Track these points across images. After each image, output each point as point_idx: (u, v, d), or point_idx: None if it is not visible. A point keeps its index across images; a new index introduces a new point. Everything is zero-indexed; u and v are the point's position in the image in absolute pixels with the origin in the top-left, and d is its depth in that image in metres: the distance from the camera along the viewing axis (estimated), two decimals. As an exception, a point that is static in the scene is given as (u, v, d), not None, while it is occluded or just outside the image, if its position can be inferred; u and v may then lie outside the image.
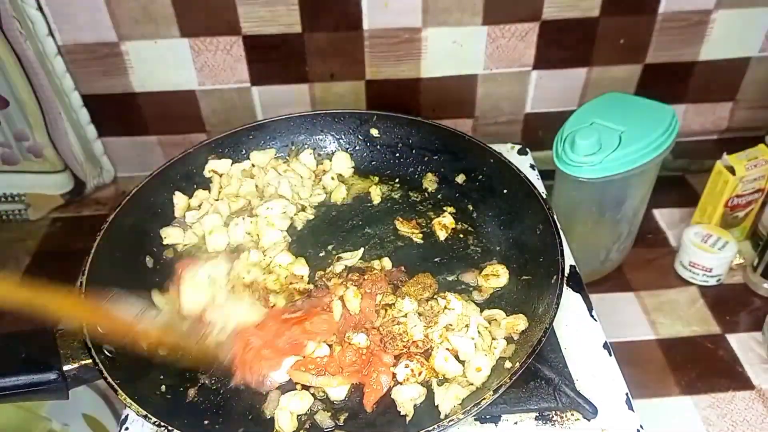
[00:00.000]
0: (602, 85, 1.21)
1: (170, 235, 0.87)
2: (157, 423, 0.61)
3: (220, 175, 0.95)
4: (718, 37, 1.17)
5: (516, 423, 0.71)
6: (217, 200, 0.92)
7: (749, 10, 1.14)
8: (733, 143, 1.13)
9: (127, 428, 0.73)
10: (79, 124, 1.19)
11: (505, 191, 0.90)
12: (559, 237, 0.78)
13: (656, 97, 0.98)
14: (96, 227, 0.78)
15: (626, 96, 1.01)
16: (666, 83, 1.23)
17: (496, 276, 0.83)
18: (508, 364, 0.71)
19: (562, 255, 0.76)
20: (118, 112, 1.20)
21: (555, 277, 0.74)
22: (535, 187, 0.86)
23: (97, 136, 1.22)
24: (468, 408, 0.63)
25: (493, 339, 0.75)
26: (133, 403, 0.62)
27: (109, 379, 0.64)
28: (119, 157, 1.27)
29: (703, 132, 1.33)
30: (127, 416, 0.74)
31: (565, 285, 0.74)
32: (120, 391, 0.63)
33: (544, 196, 0.84)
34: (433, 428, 0.61)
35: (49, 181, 1.26)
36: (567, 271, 0.81)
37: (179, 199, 0.90)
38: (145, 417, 0.61)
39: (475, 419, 0.71)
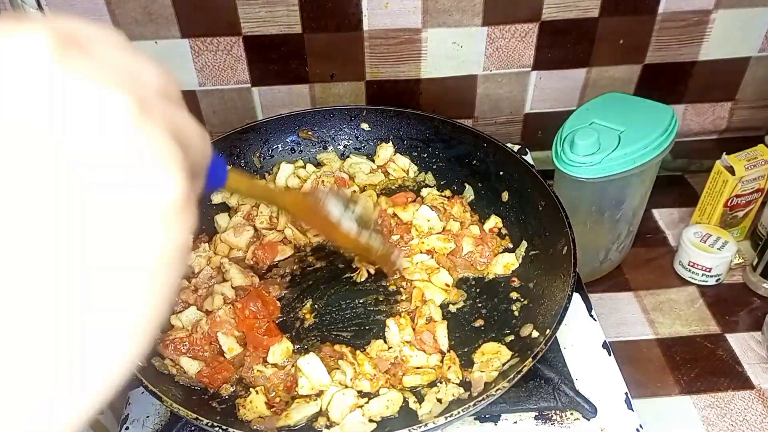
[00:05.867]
0: (602, 85, 1.21)
1: None
2: (210, 424, 0.60)
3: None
4: (718, 37, 1.17)
5: (515, 422, 0.72)
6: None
7: (749, 10, 1.14)
8: (732, 143, 1.13)
9: (127, 428, 0.73)
10: (80, 125, 1.19)
11: (501, 173, 0.91)
12: (564, 210, 0.78)
13: (656, 97, 0.98)
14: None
15: (626, 96, 1.01)
16: (665, 83, 1.23)
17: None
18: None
19: (570, 227, 0.76)
20: (119, 113, 1.20)
21: (566, 249, 0.75)
22: (531, 165, 0.86)
23: (98, 136, 1.22)
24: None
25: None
26: (180, 408, 0.62)
27: (151, 387, 0.63)
28: (119, 157, 1.27)
29: (703, 132, 1.33)
30: (127, 416, 0.74)
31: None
32: (165, 398, 0.62)
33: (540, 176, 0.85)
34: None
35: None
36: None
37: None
38: (196, 419, 0.61)
39: (475, 418, 0.71)
